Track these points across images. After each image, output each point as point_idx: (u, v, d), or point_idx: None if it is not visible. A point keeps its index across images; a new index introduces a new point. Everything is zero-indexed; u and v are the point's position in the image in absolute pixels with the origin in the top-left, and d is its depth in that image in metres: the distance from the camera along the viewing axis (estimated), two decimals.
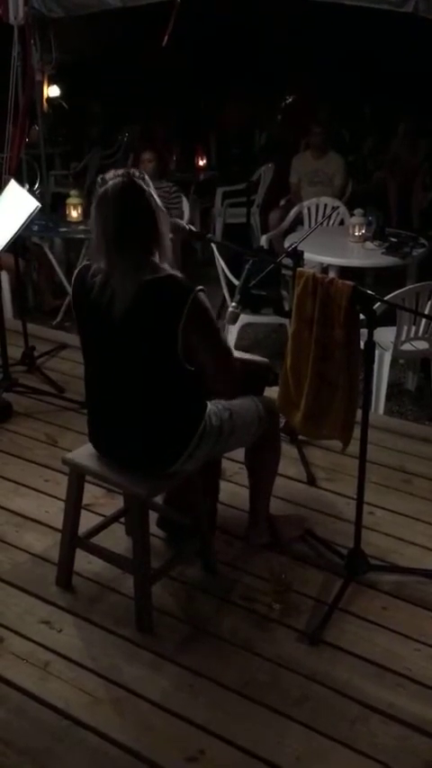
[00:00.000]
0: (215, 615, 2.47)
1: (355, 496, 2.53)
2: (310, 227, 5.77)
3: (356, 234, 4.91)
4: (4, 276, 4.82)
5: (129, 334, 2.18)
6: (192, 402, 2.31)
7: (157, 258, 2.17)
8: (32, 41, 5.43)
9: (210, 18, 7.37)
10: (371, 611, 2.49)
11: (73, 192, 5.68)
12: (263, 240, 5.88)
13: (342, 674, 2.25)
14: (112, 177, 2.15)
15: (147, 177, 2.19)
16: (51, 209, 6.27)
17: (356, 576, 2.56)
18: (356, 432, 2.47)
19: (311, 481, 3.19)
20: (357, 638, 2.38)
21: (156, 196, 2.17)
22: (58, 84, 7.44)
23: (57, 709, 2.12)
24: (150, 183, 2.19)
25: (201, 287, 2.15)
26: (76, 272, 2.31)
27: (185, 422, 2.30)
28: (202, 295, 2.15)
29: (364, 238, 4.91)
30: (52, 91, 6.88)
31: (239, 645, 2.35)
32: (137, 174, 2.17)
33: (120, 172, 2.17)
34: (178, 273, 2.17)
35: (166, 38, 4.90)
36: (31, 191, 4.84)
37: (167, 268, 2.18)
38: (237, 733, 2.05)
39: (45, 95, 6.01)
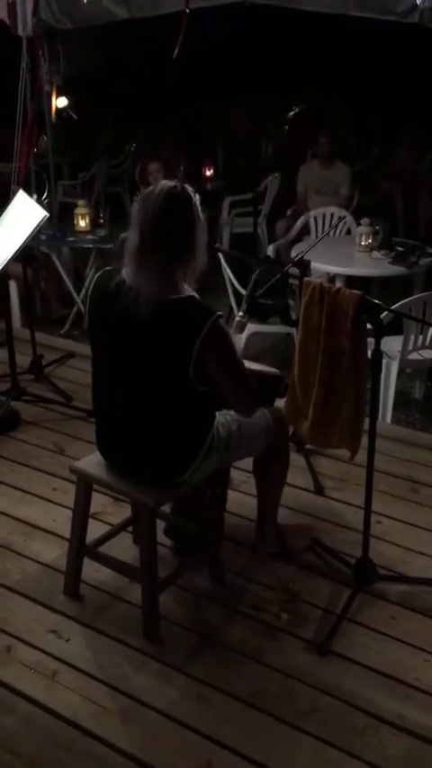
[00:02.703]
0: (223, 624, 2.47)
1: (362, 506, 2.52)
2: (316, 236, 5.78)
3: (363, 243, 4.92)
4: (13, 285, 4.84)
5: (143, 347, 2.17)
6: (200, 413, 2.31)
7: (181, 275, 2.14)
8: (41, 53, 5.47)
9: (216, 29, 7.40)
10: (379, 621, 2.48)
11: (81, 202, 5.70)
12: (270, 250, 5.89)
13: (351, 684, 2.24)
14: (167, 181, 2.14)
15: (197, 195, 2.16)
16: (59, 218, 6.30)
17: (365, 585, 2.55)
18: (364, 441, 2.47)
19: (319, 490, 3.18)
20: (366, 648, 2.37)
21: (201, 213, 2.13)
22: (66, 96, 7.48)
23: (64, 719, 2.12)
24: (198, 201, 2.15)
25: (220, 313, 2.13)
26: (97, 277, 2.27)
27: (194, 433, 2.30)
28: (221, 321, 2.13)
29: (370, 248, 4.91)
30: (60, 101, 6.92)
31: (247, 655, 2.34)
32: (187, 186, 2.15)
33: (173, 181, 2.15)
34: (197, 296, 2.15)
35: (176, 50, 4.91)
36: (39, 200, 4.86)
37: (188, 289, 2.15)
38: (245, 744, 2.04)
39: (53, 106, 6.04)
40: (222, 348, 2.17)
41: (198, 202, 2.15)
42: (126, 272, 2.17)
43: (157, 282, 2.10)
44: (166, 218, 2.08)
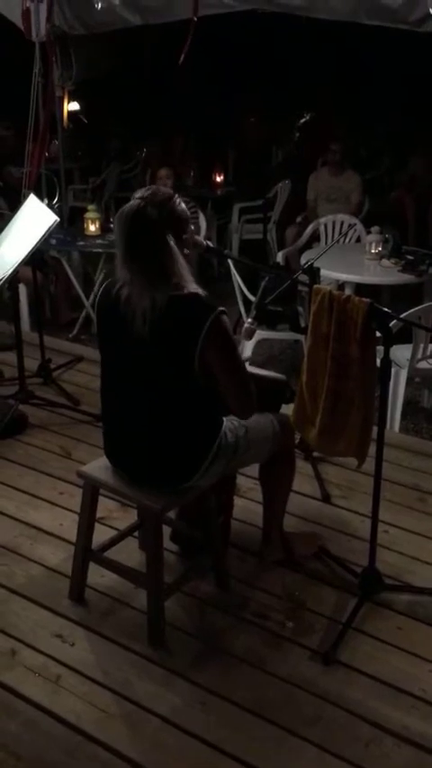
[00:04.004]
0: (228, 632, 2.46)
1: (369, 514, 2.52)
2: (326, 243, 5.78)
3: (373, 251, 4.91)
4: (22, 289, 4.86)
5: (148, 349, 2.18)
6: (208, 418, 2.31)
7: (173, 276, 2.15)
8: (54, 58, 5.50)
9: (228, 36, 7.43)
10: (385, 630, 2.46)
11: (91, 207, 5.72)
12: (279, 256, 5.89)
13: (355, 694, 2.23)
14: (139, 197, 2.15)
15: (174, 200, 2.15)
16: (69, 222, 6.32)
17: (371, 595, 2.54)
18: (371, 449, 2.47)
19: (326, 498, 3.17)
20: (371, 658, 2.36)
21: (170, 227, 2.12)
22: (77, 101, 7.53)
23: (68, 724, 2.12)
24: (174, 208, 2.15)
25: (223, 308, 2.15)
26: (103, 286, 2.32)
27: (201, 438, 2.30)
28: (224, 317, 2.15)
29: (380, 256, 4.91)
30: (72, 106, 6.96)
31: (252, 662, 2.33)
32: (158, 197, 2.13)
33: (144, 194, 2.15)
34: (201, 292, 2.17)
35: (182, 56, 4.94)
36: (49, 205, 4.88)
37: (190, 286, 2.17)
38: (248, 752, 2.03)
39: (65, 111, 6.07)
40: (225, 344, 2.17)
41: (173, 209, 2.14)
42: (124, 277, 2.20)
43: (150, 290, 2.13)
44: (135, 241, 2.14)
